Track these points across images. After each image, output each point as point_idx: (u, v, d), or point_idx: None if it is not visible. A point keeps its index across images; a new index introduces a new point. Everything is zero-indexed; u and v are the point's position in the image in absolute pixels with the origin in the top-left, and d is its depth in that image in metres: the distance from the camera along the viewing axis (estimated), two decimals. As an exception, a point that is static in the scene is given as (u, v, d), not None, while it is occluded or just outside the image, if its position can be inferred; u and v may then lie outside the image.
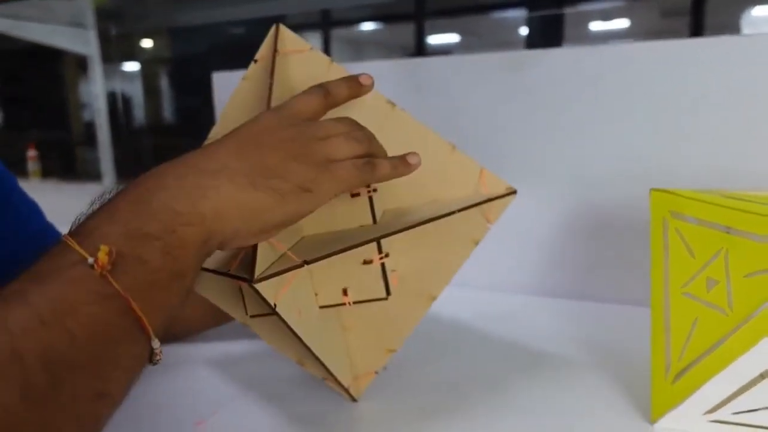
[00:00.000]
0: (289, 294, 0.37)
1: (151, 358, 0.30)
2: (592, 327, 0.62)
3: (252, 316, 0.40)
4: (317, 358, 0.41)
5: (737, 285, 0.36)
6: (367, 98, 0.42)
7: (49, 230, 0.53)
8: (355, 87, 0.40)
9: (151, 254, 0.28)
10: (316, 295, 0.40)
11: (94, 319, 0.26)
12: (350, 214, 0.40)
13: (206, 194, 0.30)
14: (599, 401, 0.46)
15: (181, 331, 0.57)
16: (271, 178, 0.33)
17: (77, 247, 0.27)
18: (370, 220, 0.40)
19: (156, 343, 0.29)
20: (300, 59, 0.41)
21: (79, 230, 0.28)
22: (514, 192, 0.43)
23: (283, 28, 0.41)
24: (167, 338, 0.57)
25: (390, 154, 0.40)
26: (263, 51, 0.42)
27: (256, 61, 0.41)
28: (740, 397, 0.38)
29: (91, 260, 0.26)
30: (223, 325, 0.61)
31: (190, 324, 0.57)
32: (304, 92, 0.38)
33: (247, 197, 0.32)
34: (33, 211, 0.52)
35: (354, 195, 0.40)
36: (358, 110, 0.40)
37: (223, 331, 0.60)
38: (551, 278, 0.73)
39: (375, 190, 0.40)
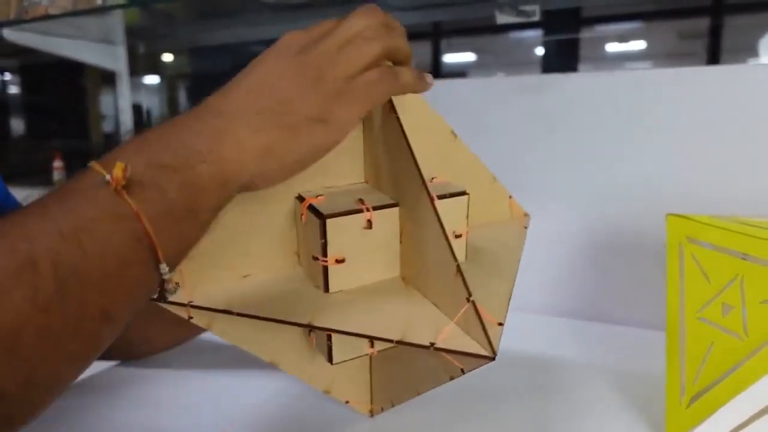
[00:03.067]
0: None
1: (163, 286, 0.30)
2: (606, 349, 0.62)
3: (336, 363, 0.39)
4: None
5: (753, 311, 0.36)
6: (435, 128, 0.42)
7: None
8: (421, 83, 0.38)
9: (168, 185, 0.29)
10: None
11: (107, 237, 0.27)
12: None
13: (222, 137, 0.31)
14: (613, 424, 0.46)
15: (143, 350, 0.58)
16: (283, 114, 0.32)
17: (98, 167, 0.28)
18: (463, 257, 0.40)
19: (165, 269, 0.29)
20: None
21: (106, 158, 0.29)
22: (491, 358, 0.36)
23: None
24: (128, 357, 0.57)
25: (416, 236, 0.38)
26: None
27: None
28: (755, 423, 0.38)
29: (108, 176, 0.27)
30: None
31: (152, 343, 0.58)
32: (356, 15, 0.36)
33: (261, 138, 0.31)
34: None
35: (458, 236, 0.39)
36: (427, 138, 0.40)
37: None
38: (566, 299, 0.73)
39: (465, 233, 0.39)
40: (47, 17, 0.87)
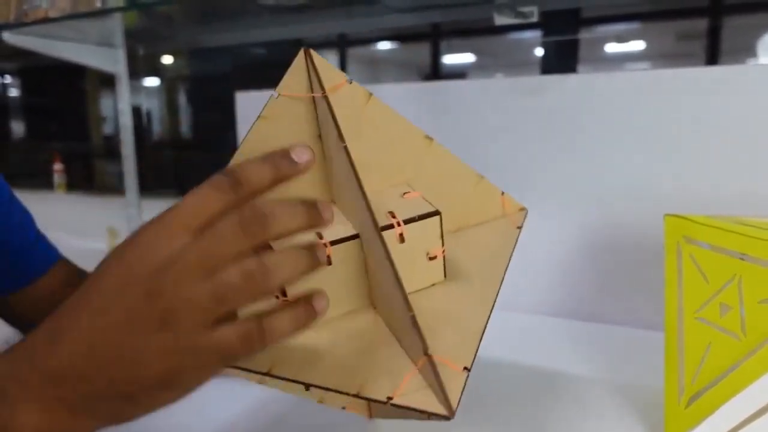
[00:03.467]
0: None
1: None
2: (604, 349, 0.62)
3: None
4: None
5: (751, 311, 0.36)
6: (406, 136, 0.39)
7: (40, 242, 0.53)
8: (286, 168, 0.28)
9: None
10: None
11: None
12: (426, 274, 0.38)
13: (51, 414, 0.25)
14: (612, 424, 0.46)
15: None
16: (120, 383, 0.25)
17: None
18: (441, 276, 0.38)
19: None
20: (339, 96, 0.35)
21: None
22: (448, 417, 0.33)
23: (316, 57, 0.35)
24: None
25: (427, 187, 0.37)
26: (290, 82, 0.36)
27: (279, 95, 0.35)
28: (754, 423, 0.38)
29: None
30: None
31: None
32: (205, 187, 0.26)
33: (97, 411, 0.26)
34: (25, 221, 0.53)
35: (432, 258, 0.37)
36: (398, 148, 0.39)
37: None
38: (564, 299, 0.73)
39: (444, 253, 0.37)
40: (47, 20, 0.88)
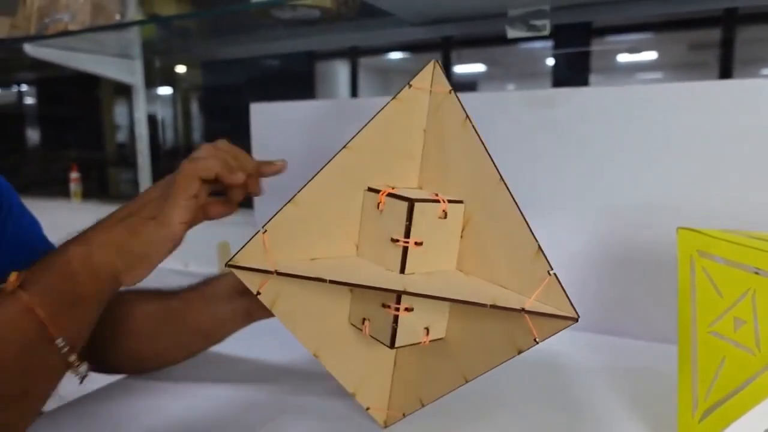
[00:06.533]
0: None
1: (70, 368, 0.39)
2: (617, 362, 0.62)
3: (397, 347, 0.41)
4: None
5: (765, 325, 0.36)
6: (484, 172, 0.41)
7: (49, 248, 0.55)
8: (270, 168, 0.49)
9: (54, 281, 0.39)
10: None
11: (10, 326, 0.37)
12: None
13: (95, 241, 0.41)
14: (626, 437, 0.46)
15: (153, 364, 0.58)
16: (129, 216, 0.42)
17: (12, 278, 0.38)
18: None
19: (62, 342, 0.38)
20: (451, 102, 0.43)
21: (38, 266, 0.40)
22: (575, 319, 0.37)
23: (442, 67, 0.44)
24: (139, 371, 0.58)
25: (488, 227, 0.40)
26: (420, 82, 0.44)
27: (410, 85, 0.44)
28: (769, 438, 0.38)
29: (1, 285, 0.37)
30: (263, 354, 0.63)
31: (162, 357, 0.57)
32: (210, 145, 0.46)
33: (113, 237, 0.41)
34: (33, 224, 0.54)
35: None
36: (475, 180, 0.42)
37: (259, 357, 0.62)
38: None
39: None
40: (67, 33, 0.90)
